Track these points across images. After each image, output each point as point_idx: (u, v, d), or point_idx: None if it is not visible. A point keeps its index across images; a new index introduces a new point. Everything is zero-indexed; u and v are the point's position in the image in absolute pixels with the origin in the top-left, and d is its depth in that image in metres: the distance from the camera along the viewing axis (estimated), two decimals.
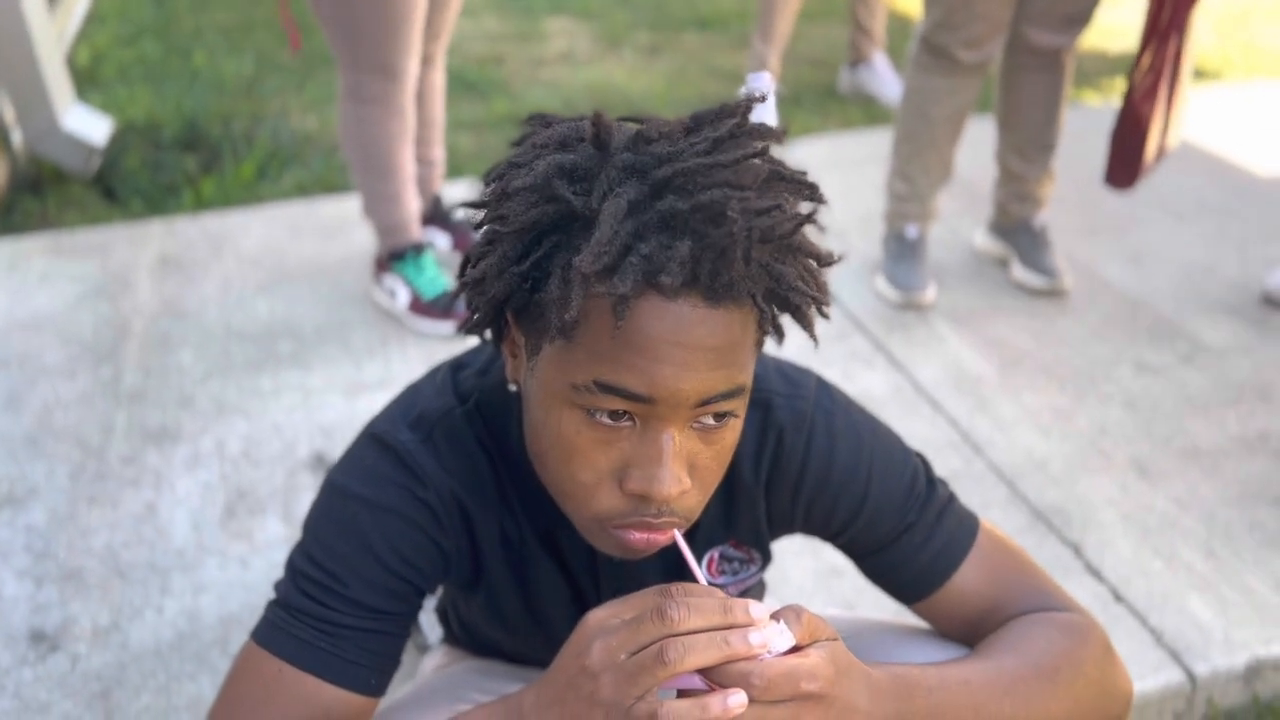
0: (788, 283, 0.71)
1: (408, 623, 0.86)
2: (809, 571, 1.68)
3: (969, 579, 0.91)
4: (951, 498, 0.94)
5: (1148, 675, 1.51)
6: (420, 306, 2.32)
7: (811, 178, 0.76)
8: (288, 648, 0.82)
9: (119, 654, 1.54)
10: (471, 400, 0.88)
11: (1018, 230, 2.55)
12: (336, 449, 1.96)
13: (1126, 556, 1.72)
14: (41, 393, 2.12)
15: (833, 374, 2.16)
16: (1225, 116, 3.49)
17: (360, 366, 2.21)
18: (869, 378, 2.17)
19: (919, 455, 0.95)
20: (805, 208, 0.73)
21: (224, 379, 2.17)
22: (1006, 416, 2.06)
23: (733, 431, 0.75)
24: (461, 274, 0.79)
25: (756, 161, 0.71)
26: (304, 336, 2.32)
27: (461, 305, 2.32)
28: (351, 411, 2.07)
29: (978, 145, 3.07)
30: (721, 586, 0.98)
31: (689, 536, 0.93)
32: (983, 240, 2.66)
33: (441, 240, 2.60)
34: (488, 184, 0.76)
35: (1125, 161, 2.30)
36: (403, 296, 2.34)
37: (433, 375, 0.92)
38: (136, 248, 2.68)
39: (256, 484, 1.88)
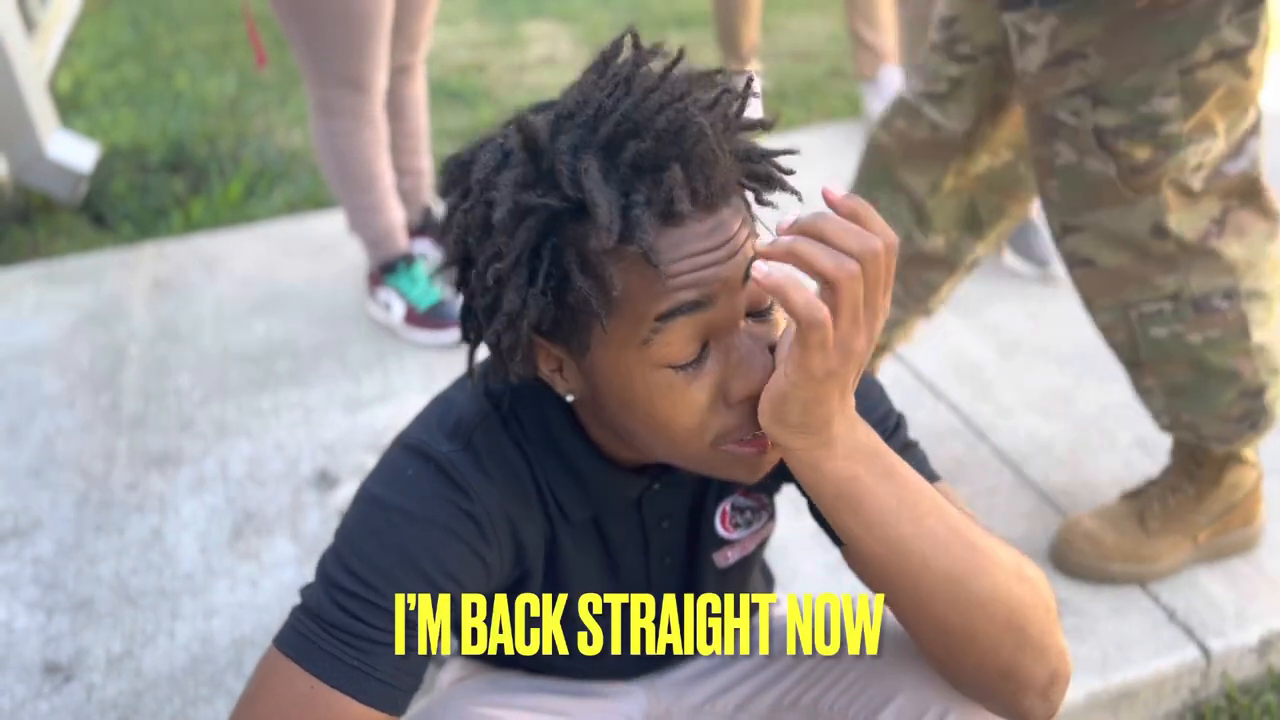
0: (756, 155, 0.76)
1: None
2: (819, 565, 1.69)
3: None
4: (918, 445, 0.94)
5: (1162, 653, 1.51)
6: (416, 318, 2.32)
7: (797, 171, 0.80)
8: (320, 664, 0.80)
9: (133, 681, 1.54)
10: (505, 402, 0.88)
11: None
12: (340, 465, 1.96)
13: None
14: (41, 423, 2.11)
15: None
16: None
17: (359, 382, 2.21)
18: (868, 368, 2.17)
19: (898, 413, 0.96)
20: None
21: (223, 400, 2.17)
22: (1008, 401, 2.06)
23: (778, 325, 0.78)
24: (472, 334, 0.80)
25: (672, 74, 0.74)
26: (301, 354, 2.31)
27: (455, 313, 2.32)
28: (353, 427, 2.06)
29: None
30: (736, 541, 1.00)
31: (702, 484, 0.95)
32: None
33: (433, 252, 2.60)
34: (452, 241, 0.77)
35: None
36: (398, 309, 2.34)
37: (462, 383, 0.92)
38: (129, 273, 2.67)
39: (262, 504, 1.87)
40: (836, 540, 0.93)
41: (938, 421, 2.01)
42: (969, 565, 0.76)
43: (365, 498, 0.85)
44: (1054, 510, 1.78)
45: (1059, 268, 2.46)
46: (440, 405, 0.90)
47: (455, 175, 0.78)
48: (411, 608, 0.81)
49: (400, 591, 0.81)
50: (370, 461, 1.94)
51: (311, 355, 2.31)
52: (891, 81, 3.15)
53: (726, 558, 1.00)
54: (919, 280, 1.77)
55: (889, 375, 2.14)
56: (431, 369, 2.24)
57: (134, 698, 1.51)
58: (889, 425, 0.92)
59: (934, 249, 1.73)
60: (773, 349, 0.76)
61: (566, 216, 0.71)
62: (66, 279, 2.65)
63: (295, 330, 2.40)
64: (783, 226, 0.69)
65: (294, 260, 2.70)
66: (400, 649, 0.82)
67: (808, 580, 1.66)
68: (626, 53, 0.77)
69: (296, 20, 2.06)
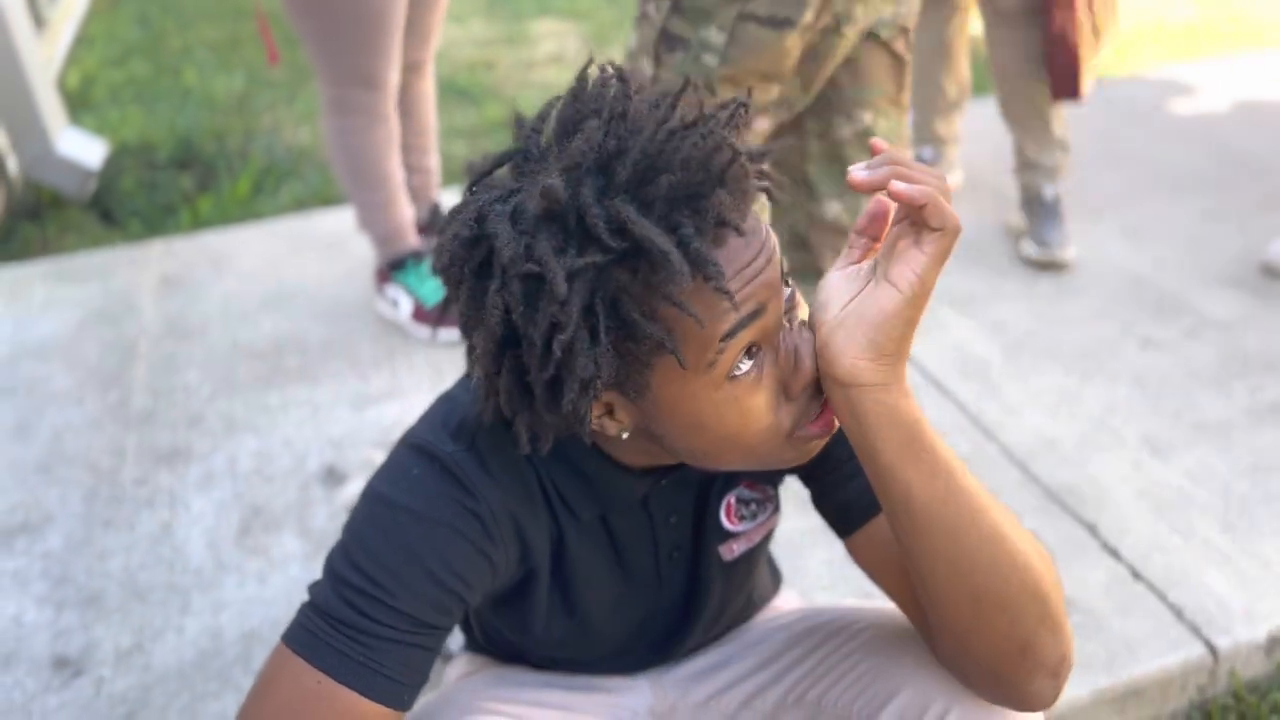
0: (760, 155, 0.77)
1: (444, 637, 0.86)
2: (824, 563, 1.69)
3: None
4: None
5: (1169, 651, 1.51)
6: (424, 315, 2.33)
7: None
8: (328, 659, 0.81)
9: (142, 676, 1.55)
10: None
11: (1032, 202, 2.56)
12: (347, 461, 1.96)
13: (1143, 534, 1.72)
14: (51, 419, 2.12)
15: None
16: (1217, 89, 3.49)
17: (367, 378, 2.22)
18: None
19: None
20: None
21: (232, 397, 2.17)
22: (1014, 399, 2.06)
23: (803, 306, 0.81)
24: (516, 406, 0.77)
25: (663, 99, 0.74)
26: (309, 351, 2.32)
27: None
28: (360, 423, 2.07)
29: (975, 131, 3.07)
30: (742, 534, 1.00)
31: (707, 479, 0.96)
32: (1013, 217, 2.69)
33: None
34: (495, 323, 0.72)
35: (1064, 73, 2.38)
36: (405, 306, 2.34)
37: (466, 382, 0.92)
38: (138, 269, 2.68)
39: (270, 500, 1.88)
40: (842, 532, 0.94)
41: (944, 419, 2.01)
42: (1008, 527, 0.78)
43: (372, 496, 0.86)
44: (1060, 508, 1.78)
45: (1065, 253, 2.47)
46: (445, 405, 0.90)
47: (461, 254, 0.74)
48: (418, 605, 0.82)
49: (406, 588, 0.82)
50: (378, 458, 1.94)
51: (319, 352, 2.31)
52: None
53: (732, 550, 1.01)
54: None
55: None
56: (439, 366, 2.24)
57: (143, 692, 1.52)
58: None
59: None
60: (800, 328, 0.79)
61: (611, 268, 0.69)
62: (75, 276, 2.66)
63: (303, 327, 2.41)
64: (865, 166, 0.73)
65: (302, 257, 2.70)
66: (407, 646, 0.82)
67: (814, 577, 1.67)
68: (604, 83, 0.75)
69: (310, 18, 2.06)
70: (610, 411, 0.79)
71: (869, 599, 1.61)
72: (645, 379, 0.74)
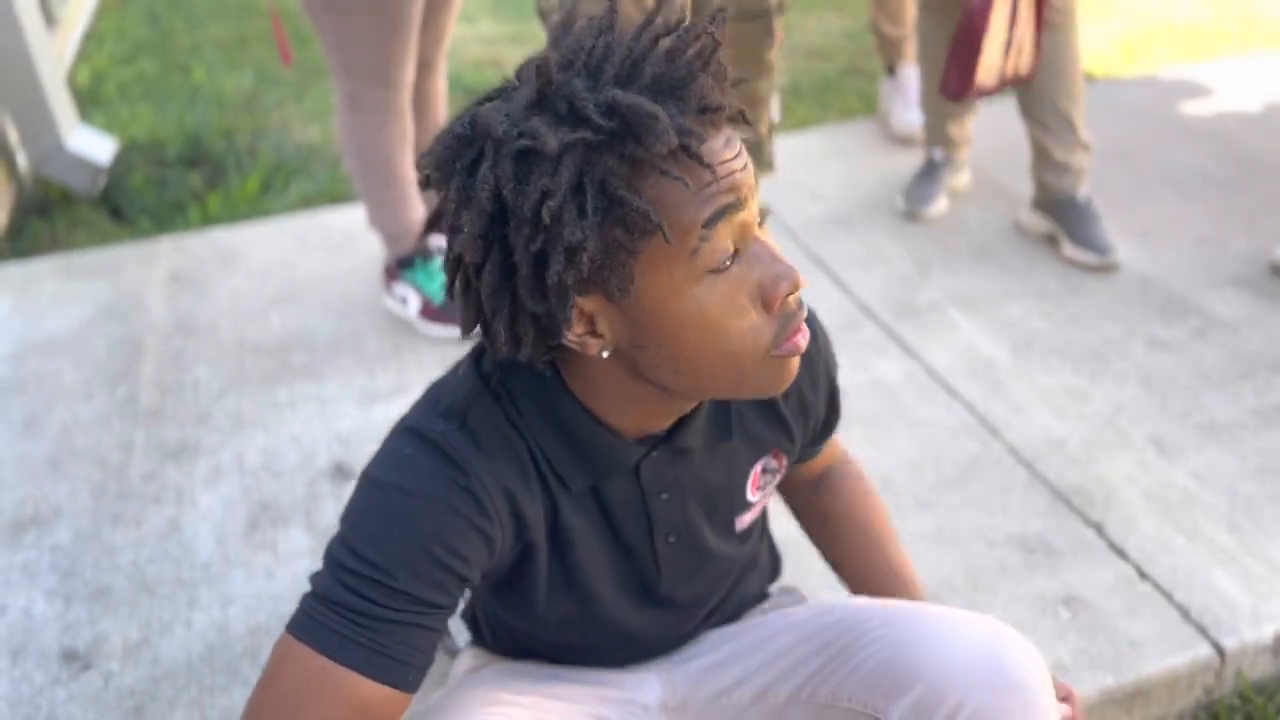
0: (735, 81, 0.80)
1: (446, 618, 0.87)
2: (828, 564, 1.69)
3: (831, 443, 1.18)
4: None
5: (1176, 651, 1.51)
6: (432, 312, 2.33)
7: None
8: (330, 643, 0.81)
9: (150, 670, 1.55)
10: (494, 378, 0.89)
11: (1062, 205, 2.54)
12: (355, 458, 1.97)
13: (1150, 534, 1.72)
14: (59, 414, 2.13)
15: (845, 362, 2.17)
16: (1225, 89, 3.49)
17: (374, 375, 2.22)
18: (882, 365, 2.17)
19: None
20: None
21: (240, 393, 2.18)
22: (1022, 399, 2.06)
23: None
24: (502, 308, 0.79)
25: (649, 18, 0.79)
26: (317, 347, 2.33)
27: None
28: (368, 420, 2.07)
29: (981, 130, 3.07)
30: (755, 504, 1.05)
31: (744, 438, 1.00)
32: (1027, 217, 2.66)
33: None
34: (484, 199, 0.75)
35: (960, 70, 2.35)
36: (414, 303, 2.35)
37: (455, 368, 0.93)
38: (146, 266, 2.69)
39: (278, 495, 1.88)
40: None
41: (951, 419, 2.01)
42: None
43: (366, 481, 0.87)
44: (1067, 508, 1.78)
45: (1119, 255, 2.46)
46: (434, 389, 0.92)
47: (454, 150, 0.77)
48: (417, 584, 0.82)
49: (404, 568, 0.82)
50: None
51: (327, 349, 2.32)
52: (910, 80, 3.12)
53: (744, 521, 1.03)
54: None
55: (902, 372, 2.15)
56: (447, 363, 2.25)
57: (151, 685, 1.53)
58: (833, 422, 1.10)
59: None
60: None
61: (601, 149, 0.72)
62: (85, 272, 2.67)
63: (311, 324, 2.41)
64: None
65: (310, 254, 2.71)
66: (408, 626, 0.83)
67: (818, 578, 1.67)
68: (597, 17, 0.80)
69: (329, 14, 2.07)
70: (592, 329, 0.80)
71: (874, 600, 1.61)
72: (629, 270, 0.76)
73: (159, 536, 1.80)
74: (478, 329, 0.82)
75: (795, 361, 0.82)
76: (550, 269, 0.74)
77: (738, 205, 0.77)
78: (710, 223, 0.75)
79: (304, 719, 0.81)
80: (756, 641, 1.10)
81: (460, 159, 0.77)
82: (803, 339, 0.81)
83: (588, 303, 0.78)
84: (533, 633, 1.05)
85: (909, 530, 1.75)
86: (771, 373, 0.82)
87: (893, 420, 2.01)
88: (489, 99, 0.81)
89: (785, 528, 1.76)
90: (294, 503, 1.87)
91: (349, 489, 1.89)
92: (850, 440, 1.96)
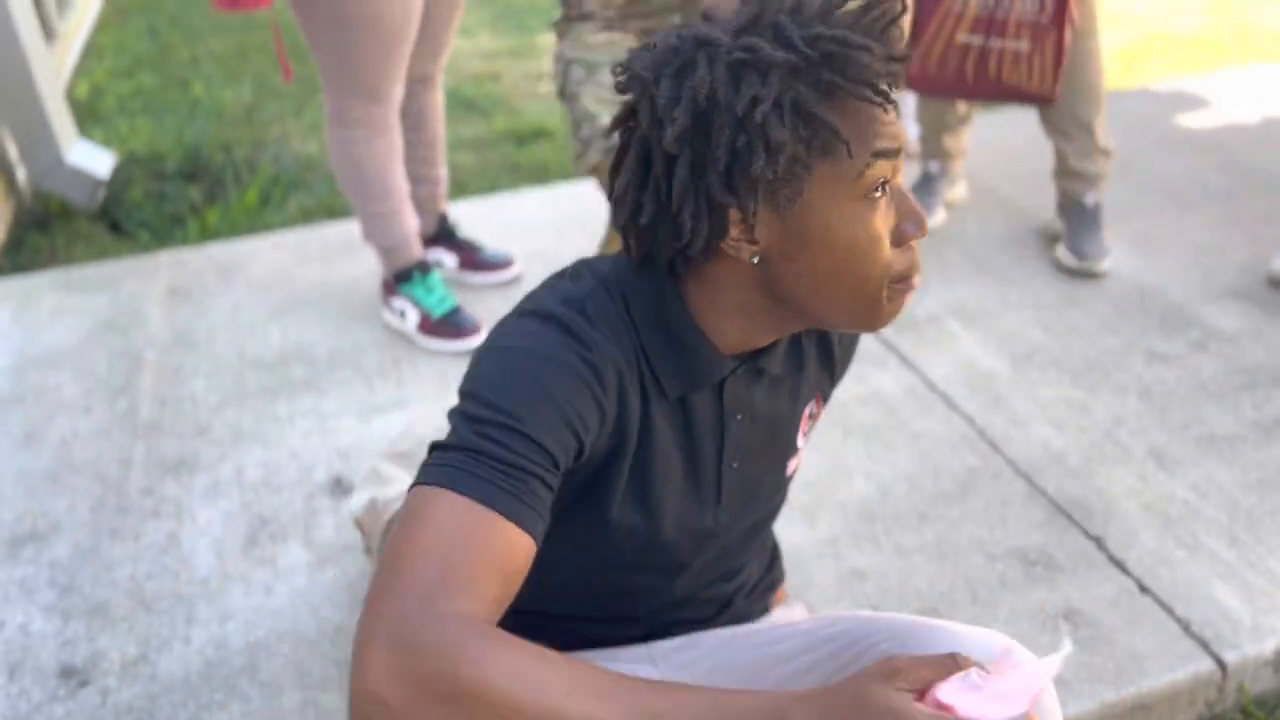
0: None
1: (557, 485, 0.86)
2: (831, 575, 1.69)
3: None
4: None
5: (1178, 666, 1.50)
6: (430, 326, 2.33)
7: None
8: (479, 488, 0.79)
9: (149, 686, 1.55)
10: (611, 278, 0.94)
11: (1070, 209, 2.60)
12: (354, 472, 1.96)
13: (1150, 547, 1.72)
14: (59, 428, 2.13)
15: (844, 375, 2.17)
16: (1224, 101, 3.50)
17: (373, 389, 2.22)
18: (881, 378, 2.17)
19: None
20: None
21: (239, 407, 2.18)
22: (1021, 412, 2.06)
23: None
24: (692, 192, 0.86)
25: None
26: (316, 361, 2.32)
27: (470, 321, 2.33)
28: (367, 434, 2.07)
29: (981, 141, 3.07)
30: (799, 451, 1.10)
31: (801, 381, 1.06)
32: (1051, 219, 2.73)
33: (449, 260, 2.61)
34: (691, 99, 0.83)
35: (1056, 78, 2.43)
36: (412, 317, 2.35)
37: (561, 273, 0.97)
38: (145, 280, 2.69)
39: (277, 510, 1.88)
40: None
41: (951, 432, 2.00)
42: None
43: (492, 350, 0.88)
44: (1067, 521, 1.78)
45: (1102, 264, 2.48)
46: (548, 284, 0.95)
47: (664, 57, 0.86)
48: (547, 437, 0.83)
49: (537, 418, 0.83)
50: (383, 468, 1.94)
51: (326, 362, 2.32)
52: (905, 93, 3.12)
53: (790, 466, 1.09)
54: None
55: (902, 385, 2.15)
56: (446, 377, 2.25)
57: (149, 702, 1.52)
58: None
59: None
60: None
61: (799, 74, 0.82)
62: (84, 286, 2.67)
63: (310, 337, 2.41)
64: None
65: (309, 268, 2.71)
66: (540, 481, 0.82)
67: (821, 590, 1.66)
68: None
69: (329, 30, 2.07)
70: (749, 234, 0.86)
71: (876, 609, 1.61)
72: (803, 182, 0.84)
73: (157, 551, 1.80)
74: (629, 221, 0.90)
75: (906, 300, 0.90)
76: (753, 164, 0.82)
77: (898, 152, 0.86)
78: (880, 155, 0.84)
79: (462, 559, 0.76)
80: (760, 646, 1.10)
81: (669, 65, 0.85)
82: (918, 280, 0.89)
83: (761, 209, 0.86)
84: (598, 543, 1.01)
85: (908, 544, 1.74)
86: (885, 305, 0.89)
87: (892, 433, 2.01)
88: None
89: (787, 539, 1.76)
90: (293, 517, 1.86)
91: (348, 503, 1.89)
92: (850, 453, 1.96)
